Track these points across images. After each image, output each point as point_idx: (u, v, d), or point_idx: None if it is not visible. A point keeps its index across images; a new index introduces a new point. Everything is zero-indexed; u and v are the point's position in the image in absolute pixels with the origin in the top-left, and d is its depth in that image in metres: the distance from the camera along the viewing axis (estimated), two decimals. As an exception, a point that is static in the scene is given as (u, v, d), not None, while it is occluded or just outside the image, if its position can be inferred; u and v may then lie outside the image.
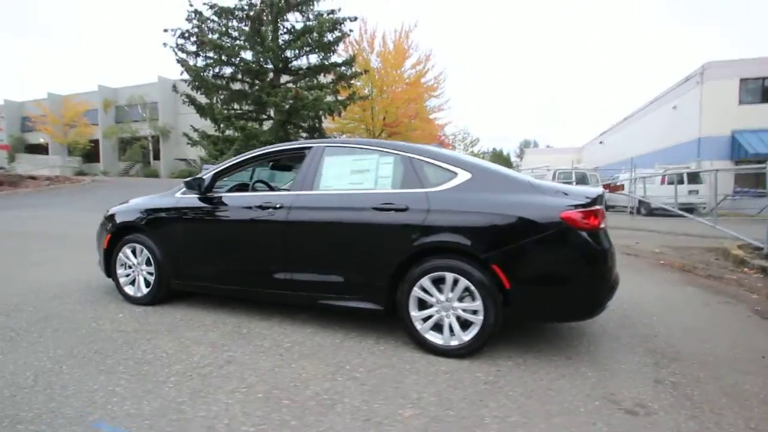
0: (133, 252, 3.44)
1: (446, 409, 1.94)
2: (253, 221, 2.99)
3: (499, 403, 2.01)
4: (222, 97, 17.40)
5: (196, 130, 17.54)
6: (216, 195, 3.23)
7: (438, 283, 2.52)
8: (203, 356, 2.48)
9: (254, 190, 3.96)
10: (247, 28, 17.42)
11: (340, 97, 18.14)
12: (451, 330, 2.49)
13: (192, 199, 3.26)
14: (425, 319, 2.55)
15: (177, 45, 16.52)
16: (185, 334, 2.84)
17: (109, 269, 3.57)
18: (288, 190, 3.16)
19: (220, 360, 2.43)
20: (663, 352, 2.67)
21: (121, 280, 3.49)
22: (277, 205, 2.89)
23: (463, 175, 2.59)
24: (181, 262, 3.25)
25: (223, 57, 16.64)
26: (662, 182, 14.25)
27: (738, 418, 1.93)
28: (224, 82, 17.34)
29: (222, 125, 16.94)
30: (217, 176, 3.29)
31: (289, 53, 18.38)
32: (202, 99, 17.08)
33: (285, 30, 18.28)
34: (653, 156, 19.42)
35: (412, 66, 22.29)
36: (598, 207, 2.42)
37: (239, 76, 17.60)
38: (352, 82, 18.70)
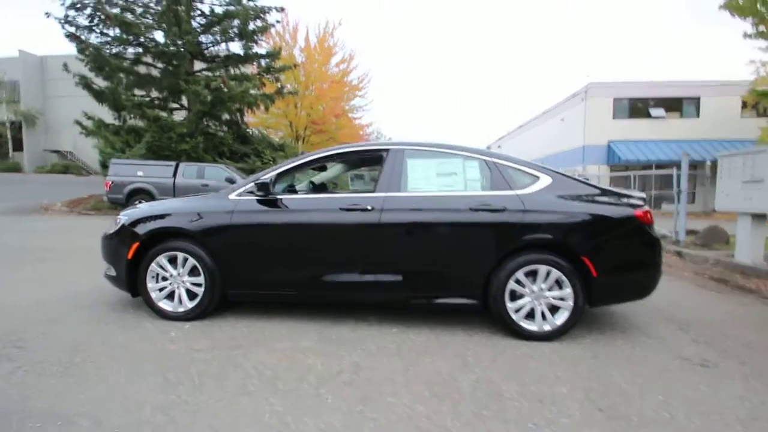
0: (171, 261, 3.03)
1: (589, 382, 2.25)
2: (336, 224, 2.90)
3: (618, 372, 2.39)
4: (125, 81, 15.13)
5: (90, 117, 14.96)
6: (285, 197, 3.03)
7: (528, 275, 2.82)
8: (325, 365, 2.38)
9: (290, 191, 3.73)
10: (152, 4, 15.48)
11: (266, 91, 17.22)
12: (543, 317, 2.81)
13: (251, 202, 3.00)
14: (518, 310, 2.82)
15: (66, 17, 13.86)
16: (276, 345, 2.65)
17: (133, 283, 3.08)
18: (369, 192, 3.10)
19: (347, 366, 2.37)
20: (677, 320, 3.37)
21: (154, 294, 3.04)
22: (369, 207, 2.86)
23: (545, 179, 2.93)
24: (245, 270, 2.97)
25: (129, 36, 14.47)
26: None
27: (764, 359, 2.62)
28: (128, 63, 15.12)
29: (127, 113, 14.78)
30: (279, 177, 3.09)
31: (203, 38, 16.83)
32: (100, 82, 14.63)
33: (200, 12, 16.68)
34: (546, 160, 22.62)
35: (337, 64, 22.23)
36: (648, 207, 2.98)
37: (147, 59, 15.52)
38: (279, 75, 17.87)
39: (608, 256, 2.80)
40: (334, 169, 4.11)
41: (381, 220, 2.85)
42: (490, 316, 2.95)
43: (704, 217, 14.83)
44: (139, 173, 12.38)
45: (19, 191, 17.60)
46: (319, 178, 4.12)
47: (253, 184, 2.99)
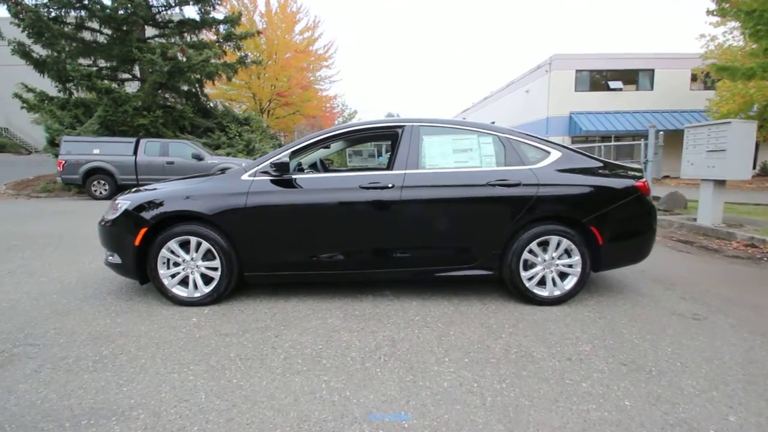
0: (183, 246, 2.93)
1: (605, 340, 2.47)
2: (357, 202, 2.89)
3: (627, 329, 2.63)
4: (68, 49, 13.68)
5: (30, 89, 13.53)
6: (302, 176, 2.98)
7: (540, 245, 2.98)
8: (362, 341, 2.45)
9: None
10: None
11: (228, 60, 16.23)
12: (554, 283, 3.00)
13: (266, 182, 2.93)
14: (530, 278, 3.00)
15: (-9, -29, 12.16)
16: (304, 324, 2.68)
17: (142, 271, 2.96)
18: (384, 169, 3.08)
19: (383, 341, 2.45)
20: (662, 280, 3.71)
21: (166, 281, 2.94)
22: (390, 185, 2.87)
23: (555, 154, 3.05)
24: (263, 253, 2.92)
25: (71, -3, 12.98)
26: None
27: (744, 311, 2.97)
28: (71, 29, 13.65)
29: (74, 85, 13.51)
30: (293, 156, 3.02)
31: (154, 1, 15.44)
32: (40, 50, 13.16)
33: (148, -29, 15.18)
34: (513, 131, 23.18)
35: (301, 32, 21.23)
36: (645, 177, 3.20)
37: (92, 24, 14.06)
38: (240, 43, 16.81)
39: (613, 225, 3.00)
40: (336, 146, 4.04)
41: (402, 197, 2.88)
42: (504, 284, 3.12)
43: (657, 183, 15.99)
44: (96, 151, 11.48)
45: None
46: (316, 156, 4.03)
47: (269, 163, 2.91)
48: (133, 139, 11.89)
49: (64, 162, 11.21)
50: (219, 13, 17.20)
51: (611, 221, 2.99)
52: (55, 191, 12.58)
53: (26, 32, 12.29)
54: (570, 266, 3.00)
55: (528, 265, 3.01)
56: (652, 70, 20.08)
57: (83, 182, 11.31)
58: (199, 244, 2.91)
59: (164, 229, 2.91)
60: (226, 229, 2.88)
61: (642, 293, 3.34)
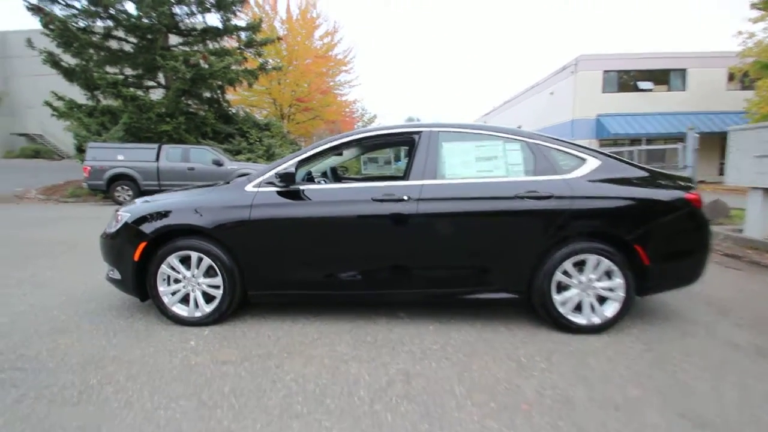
0: (183, 261, 2.74)
1: (656, 380, 2.11)
2: (369, 216, 2.63)
3: (681, 366, 2.26)
4: (96, 58, 14.06)
5: (60, 98, 13.95)
6: (309, 187, 2.74)
7: (575, 265, 2.64)
8: (372, 375, 2.17)
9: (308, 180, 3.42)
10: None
11: (249, 66, 16.36)
12: (592, 308, 2.66)
13: (271, 194, 2.71)
14: (564, 302, 2.66)
15: (25, -15, 12.64)
16: (310, 352, 2.43)
17: (142, 287, 2.78)
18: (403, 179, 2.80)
19: (396, 375, 2.17)
20: (713, 303, 3.29)
21: (166, 299, 2.76)
22: (405, 197, 2.60)
23: (592, 162, 2.71)
24: (268, 270, 2.70)
25: (98, 8, 13.34)
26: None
27: (822, 346, 2.55)
28: (99, 38, 14.02)
29: (101, 93, 13.83)
30: (300, 165, 2.79)
31: (177, 9, 15.72)
32: (69, 59, 13.56)
33: (172, -19, 15.47)
34: (536, 134, 22.49)
35: (320, 38, 21.28)
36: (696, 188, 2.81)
37: (118, 33, 14.43)
38: (261, 50, 16.94)
39: (661, 243, 2.63)
40: (349, 153, 3.80)
41: (418, 211, 2.60)
42: (533, 308, 2.79)
43: (692, 189, 15.07)
44: (120, 157, 11.68)
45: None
46: (327, 164, 3.80)
47: (273, 173, 2.69)
48: (155, 146, 12.04)
49: (89, 168, 11.45)
50: (240, 21, 17.44)
51: (659, 239, 2.62)
52: (82, 196, 12.87)
53: (56, 42, 12.68)
54: (611, 290, 2.64)
55: (561, 288, 2.67)
56: (684, 70, 19.09)
57: (107, 188, 11.52)
58: (200, 260, 2.71)
59: (164, 244, 2.73)
60: (229, 244, 2.68)
61: (691, 319, 2.95)
